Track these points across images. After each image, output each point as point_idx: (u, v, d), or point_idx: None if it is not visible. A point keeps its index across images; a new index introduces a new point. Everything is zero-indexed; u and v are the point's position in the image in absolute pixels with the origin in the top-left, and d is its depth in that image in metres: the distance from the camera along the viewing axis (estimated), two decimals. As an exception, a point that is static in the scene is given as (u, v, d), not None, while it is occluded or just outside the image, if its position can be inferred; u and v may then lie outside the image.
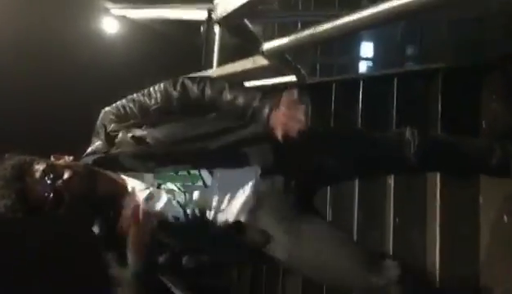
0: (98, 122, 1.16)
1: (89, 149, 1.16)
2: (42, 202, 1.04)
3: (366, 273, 1.03)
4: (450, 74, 1.52)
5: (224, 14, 1.34)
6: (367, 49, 2.87)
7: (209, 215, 1.09)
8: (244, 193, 1.09)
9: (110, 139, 1.12)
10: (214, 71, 3.04)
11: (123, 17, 4.41)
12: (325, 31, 1.06)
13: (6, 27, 3.98)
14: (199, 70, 2.91)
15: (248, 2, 1.07)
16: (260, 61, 2.36)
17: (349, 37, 1.94)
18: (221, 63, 2.65)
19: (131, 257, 1.03)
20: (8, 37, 4.02)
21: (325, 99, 2.20)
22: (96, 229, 1.13)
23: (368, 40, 2.72)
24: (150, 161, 1.09)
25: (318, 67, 2.65)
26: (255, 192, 1.09)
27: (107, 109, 1.17)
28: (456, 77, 1.50)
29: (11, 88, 3.90)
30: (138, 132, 1.10)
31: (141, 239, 1.03)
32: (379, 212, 1.79)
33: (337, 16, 1.04)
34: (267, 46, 1.45)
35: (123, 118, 1.13)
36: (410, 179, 1.61)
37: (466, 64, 1.52)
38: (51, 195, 1.02)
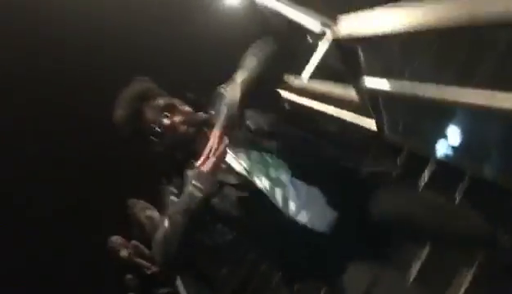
0: None
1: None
2: (148, 130, 1.17)
3: None
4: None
5: (343, 35, 1.32)
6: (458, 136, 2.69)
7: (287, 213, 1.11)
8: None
9: None
10: (302, 79, 3.05)
11: None
12: (436, 99, 1.00)
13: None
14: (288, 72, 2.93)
15: (374, 36, 1.04)
16: (350, 92, 2.32)
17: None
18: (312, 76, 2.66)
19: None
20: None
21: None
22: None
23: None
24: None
25: (401, 126, 2.54)
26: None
27: None
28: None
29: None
30: None
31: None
32: None
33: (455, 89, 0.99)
34: (368, 82, 1.41)
35: None
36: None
37: None
38: (159, 128, 1.15)
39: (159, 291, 4.23)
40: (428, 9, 0.84)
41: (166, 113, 1.17)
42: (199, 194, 1.04)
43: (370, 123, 2.70)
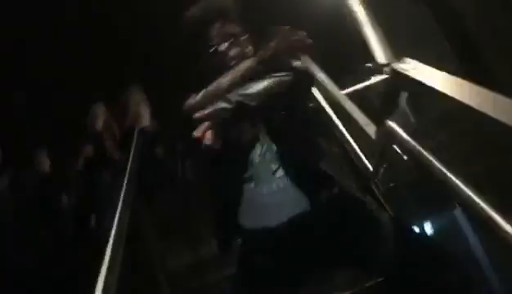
0: None
1: None
2: (205, 43, 1.20)
3: None
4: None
5: (400, 73, 1.36)
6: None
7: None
8: None
9: None
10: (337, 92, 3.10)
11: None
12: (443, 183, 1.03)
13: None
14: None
15: (426, 88, 1.09)
16: (370, 127, 2.38)
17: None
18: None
19: None
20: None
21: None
22: None
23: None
24: None
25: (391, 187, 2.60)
26: None
27: None
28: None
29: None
30: None
31: None
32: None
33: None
34: (391, 127, 1.44)
35: None
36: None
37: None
38: (215, 49, 1.17)
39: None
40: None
41: (230, 40, 1.19)
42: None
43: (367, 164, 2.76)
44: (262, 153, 1.14)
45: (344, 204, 1.14)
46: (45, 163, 5.15)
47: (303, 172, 1.14)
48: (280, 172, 1.14)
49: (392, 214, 2.57)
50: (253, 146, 1.15)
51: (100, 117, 4.76)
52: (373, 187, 3.05)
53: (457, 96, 1.00)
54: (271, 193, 1.13)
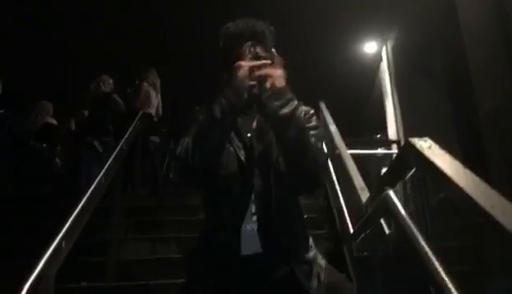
0: None
1: None
2: (230, 57, 1.19)
3: None
4: None
5: (416, 146, 1.36)
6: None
7: None
8: None
9: None
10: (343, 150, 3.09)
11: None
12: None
13: None
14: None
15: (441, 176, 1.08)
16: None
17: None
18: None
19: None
20: None
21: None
22: None
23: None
24: None
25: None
26: None
27: None
28: None
29: None
30: None
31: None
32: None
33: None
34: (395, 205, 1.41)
35: None
36: None
37: None
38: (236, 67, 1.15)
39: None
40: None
41: (250, 59, 1.17)
42: (222, 100, 1.10)
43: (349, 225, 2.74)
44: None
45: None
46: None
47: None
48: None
49: (355, 282, 2.53)
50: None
51: (106, 85, 4.79)
52: (344, 250, 3.02)
53: (465, 188, 1.00)
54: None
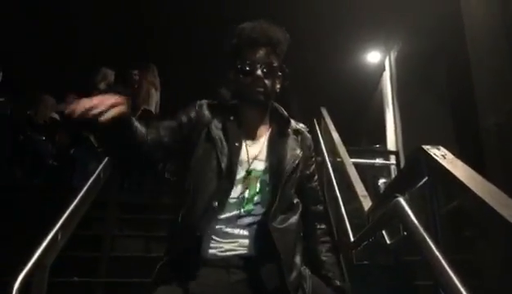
0: None
1: None
2: (242, 61, 1.18)
3: None
4: None
5: (430, 154, 1.33)
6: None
7: None
8: None
9: None
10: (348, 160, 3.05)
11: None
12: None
13: None
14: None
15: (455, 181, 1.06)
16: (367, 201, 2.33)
17: None
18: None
19: None
20: None
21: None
22: None
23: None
24: None
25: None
26: None
27: None
28: None
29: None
30: None
31: None
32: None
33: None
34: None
35: None
36: None
37: None
38: (247, 71, 1.17)
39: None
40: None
41: (263, 67, 1.17)
42: None
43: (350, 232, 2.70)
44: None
45: None
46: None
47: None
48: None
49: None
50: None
51: (107, 78, 4.74)
52: (341, 259, 2.98)
53: (484, 197, 0.97)
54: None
